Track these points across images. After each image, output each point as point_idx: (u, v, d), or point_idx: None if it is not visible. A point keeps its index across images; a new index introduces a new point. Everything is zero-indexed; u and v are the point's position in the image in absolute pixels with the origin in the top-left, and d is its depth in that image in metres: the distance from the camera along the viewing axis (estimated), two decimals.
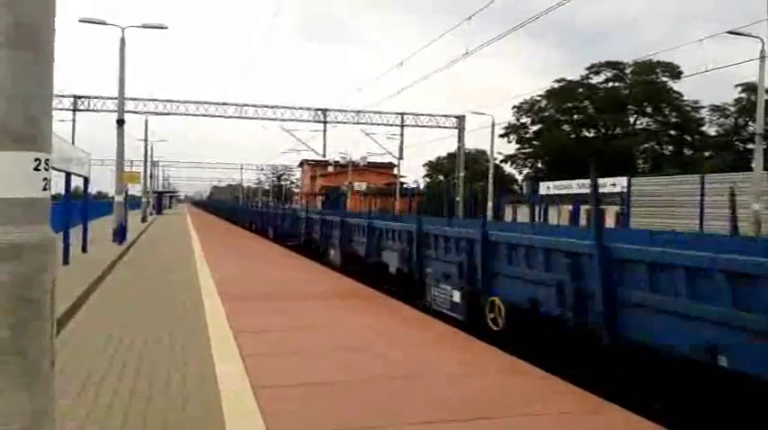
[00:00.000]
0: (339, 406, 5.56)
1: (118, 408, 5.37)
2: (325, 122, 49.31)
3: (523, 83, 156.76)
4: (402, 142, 51.33)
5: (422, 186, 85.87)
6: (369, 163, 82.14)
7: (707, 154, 60.65)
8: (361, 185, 76.75)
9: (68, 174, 16.50)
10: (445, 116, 50.73)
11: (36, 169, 2.92)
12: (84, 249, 18.59)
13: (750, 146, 47.20)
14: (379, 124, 50.57)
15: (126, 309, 10.24)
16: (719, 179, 27.98)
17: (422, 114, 50.37)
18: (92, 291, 11.98)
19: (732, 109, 60.61)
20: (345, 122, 50.04)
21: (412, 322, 9.65)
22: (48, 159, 2.99)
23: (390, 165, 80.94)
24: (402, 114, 49.91)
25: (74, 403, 5.42)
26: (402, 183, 68.01)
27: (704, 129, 64.75)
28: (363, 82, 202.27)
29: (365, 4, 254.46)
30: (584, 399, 5.87)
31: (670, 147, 67.15)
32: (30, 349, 2.86)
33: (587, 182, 40.04)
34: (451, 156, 67.24)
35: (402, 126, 50.37)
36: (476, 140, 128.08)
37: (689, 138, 65.64)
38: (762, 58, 25.61)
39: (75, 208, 21.79)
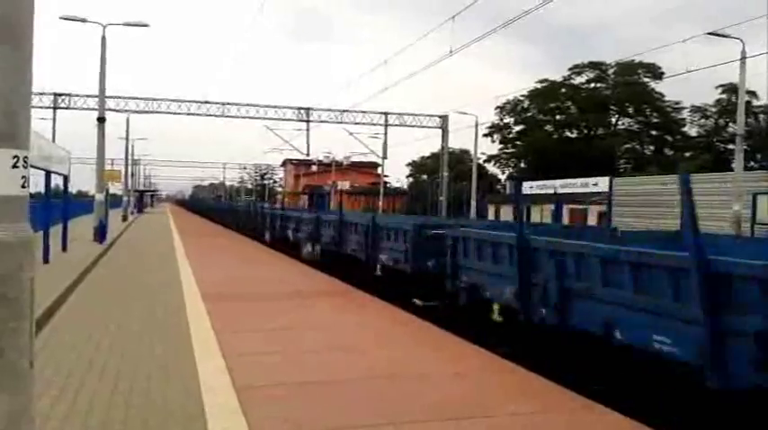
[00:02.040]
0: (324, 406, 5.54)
1: (98, 409, 5.31)
2: (308, 121, 49.24)
3: (507, 82, 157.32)
4: (386, 141, 51.39)
5: (404, 186, 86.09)
6: (352, 162, 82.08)
7: (688, 154, 61.22)
8: (344, 185, 76.70)
9: (48, 173, 16.31)
10: (429, 116, 50.85)
11: (14, 166, 2.88)
12: (64, 248, 18.40)
13: (731, 146, 47.78)
14: (363, 123, 50.58)
15: (106, 309, 10.14)
16: (700, 179, 28.26)
17: (406, 114, 50.46)
18: (71, 290, 11.85)
19: (713, 110, 61.23)
20: (329, 121, 49.99)
21: (386, 317, 9.66)
22: (26, 156, 2.94)
23: (374, 165, 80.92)
24: (386, 114, 49.93)
25: (52, 404, 5.35)
26: (386, 183, 68.02)
27: (685, 129, 65.43)
28: (347, 81, 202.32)
29: (351, 2, 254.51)
30: (566, 398, 5.89)
31: (651, 148, 67.73)
32: (8, 349, 2.81)
33: (570, 181, 40.37)
34: (435, 155, 67.41)
35: (386, 125, 50.40)
36: (459, 140, 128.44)
37: (670, 139, 66.25)
38: (742, 59, 25.86)
39: (55, 206, 21.57)
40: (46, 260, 15.36)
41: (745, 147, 28.79)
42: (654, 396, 6.42)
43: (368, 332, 8.91)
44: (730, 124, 54.77)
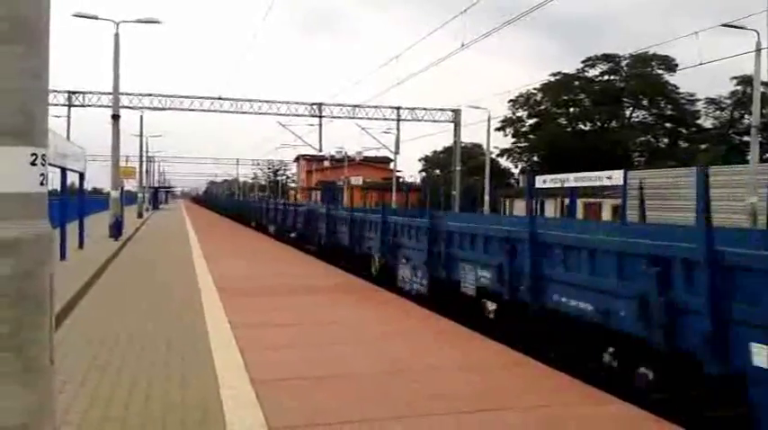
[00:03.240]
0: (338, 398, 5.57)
1: (118, 401, 5.37)
2: (320, 117, 49.23)
3: (520, 76, 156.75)
4: (398, 136, 51.31)
5: (417, 181, 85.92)
6: (365, 157, 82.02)
7: (703, 146, 60.69)
8: (357, 180, 76.66)
9: (64, 170, 16.46)
10: (441, 110, 50.68)
11: (33, 164, 2.91)
12: (80, 245, 18.55)
13: (746, 138, 47.38)
14: (375, 118, 50.49)
15: (123, 306, 10.22)
16: (715, 172, 28.04)
17: (418, 108, 50.29)
18: (89, 286, 11.95)
19: (728, 102, 60.64)
20: (341, 117, 49.96)
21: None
22: (44, 154, 2.97)
23: (386, 160, 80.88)
24: (398, 108, 49.83)
25: (73, 398, 5.42)
26: (398, 178, 67.95)
27: (700, 121, 64.81)
28: (359, 76, 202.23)
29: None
30: (577, 391, 5.89)
31: (666, 140, 67.18)
32: (27, 345, 2.85)
33: (584, 175, 40.14)
34: (448, 150, 67.21)
35: (398, 120, 50.30)
36: (472, 134, 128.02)
37: (684, 131, 65.67)
38: (757, 51, 25.61)
39: (71, 204, 21.75)
40: (63, 257, 15.50)
41: (760, 138, 28.55)
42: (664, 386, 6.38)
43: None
44: (745, 116, 54.21)
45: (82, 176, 20.17)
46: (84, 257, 16.27)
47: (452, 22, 27.56)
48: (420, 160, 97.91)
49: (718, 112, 62.48)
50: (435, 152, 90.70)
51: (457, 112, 50.23)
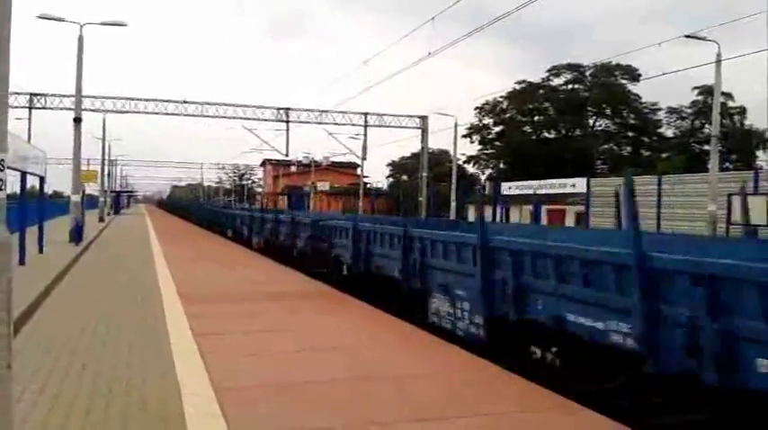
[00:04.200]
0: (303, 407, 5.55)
1: (78, 408, 5.28)
2: (287, 122, 49.09)
3: (487, 83, 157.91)
4: (365, 142, 51.38)
5: (384, 186, 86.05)
6: (332, 163, 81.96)
7: (664, 155, 61.84)
8: (324, 185, 76.55)
9: (24, 174, 16.14)
10: (409, 116, 50.92)
11: None
12: (40, 250, 18.21)
13: (706, 147, 48.40)
14: (342, 124, 50.55)
15: (83, 312, 10.05)
16: (675, 180, 28.64)
17: (385, 114, 50.49)
18: (49, 291, 11.74)
19: (689, 111, 61.93)
20: (309, 122, 49.89)
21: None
22: (2, 159, 2.93)
23: (354, 165, 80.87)
24: (366, 114, 49.94)
25: (32, 405, 5.31)
26: (366, 184, 67.98)
27: (662, 130, 66.08)
28: (327, 82, 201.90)
29: (331, 4, 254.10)
30: (541, 397, 5.95)
31: (628, 149, 68.31)
32: None
33: (548, 182, 40.61)
34: (415, 156, 67.46)
35: (366, 126, 50.40)
36: (440, 141, 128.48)
37: (647, 140, 66.88)
38: (717, 62, 26.20)
39: (31, 207, 21.34)
40: (22, 262, 15.19)
41: (720, 148, 29.20)
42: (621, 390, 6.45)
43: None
44: (706, 125, 55.41)
45: (42, 180, 19.80)
46: (43, 262, 15.98)
47: (422, 29, 27.69)
48: (387, 166, 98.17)
49: (679, 122, 63.82)
50: (403, 158, 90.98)
51: (424, 119, 50.52)
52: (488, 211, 37.54)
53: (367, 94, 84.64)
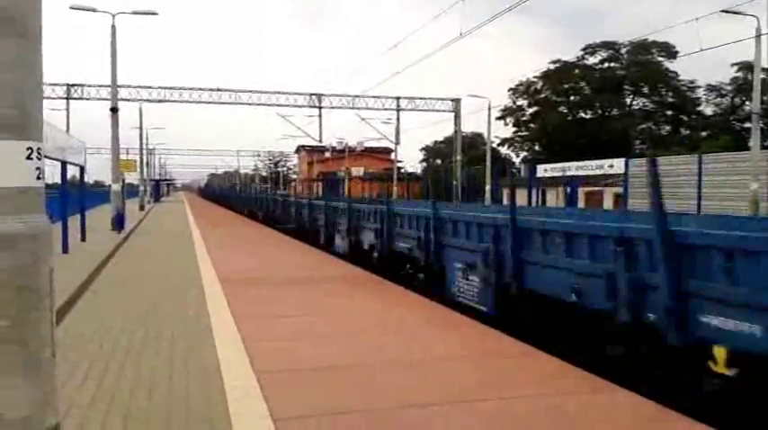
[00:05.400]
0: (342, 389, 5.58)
1: (124, 394, 5.38)
2: (320, 107, 49.19)
3: (521, 63, 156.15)
4: (398, 126, 51.26)
5: (418, 171, 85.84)
6: (365, 148, 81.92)
7: (704, 134, 60.60)
8: (358, 171, 76.62)
9: (64, 164, 16.44)
10: (441, 99, 50.60)
11: (29, 158, 2.90)
12: (83, 238, 18.57)
13: (747, 125, 47.26)
14: (375, 109, 50.46)
15: (127, 298, 10.23)
16: (716, 159, 28.01)
17: (418, 98, 50.23)
18: (92, 279, 11.97)
19: (728, 88, 60.52)
20: (341, 107, 49.92)
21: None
22: (40, 148, 2.96)
23: (387, 150, 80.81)
24: (398, 98, 49.76)
25: (76, 392, 5.43)
26: (399, 168, 67.90)
27: (701, 108, 64.74)
28: (359, 66, 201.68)
29: None
30: (582, 380, 5.89)
31: (667, 128, 67.09)
32: (30, 339, 2.85)
33: (585, 163, 40.06)
34: (448, 140, 67.14)
35: (398, 110, 50.24)
36: (473, 124, 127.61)
37: (685, 119, 65.59)
38: (757, 37, 25.51)
39: (72, 197, 21.76)
40: (65, 250, 15.52)
41: (761, 125, 28.47)
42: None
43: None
44: (746, 103, 54.08)
45: (82, 169, 20.17)
46: (86, 250, 16.29)
47: (453, 10, 27.41)
48: (421, 150, 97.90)
49: (718, 99, 62.41)
50: (436, 142, 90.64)
51: (457, 102, 50.16)
52: (524, 195, 37.11)
53: (399, 78, 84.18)
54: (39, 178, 2.96)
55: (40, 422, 2.88)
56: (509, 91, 69.34)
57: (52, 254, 3.04)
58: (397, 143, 53.33)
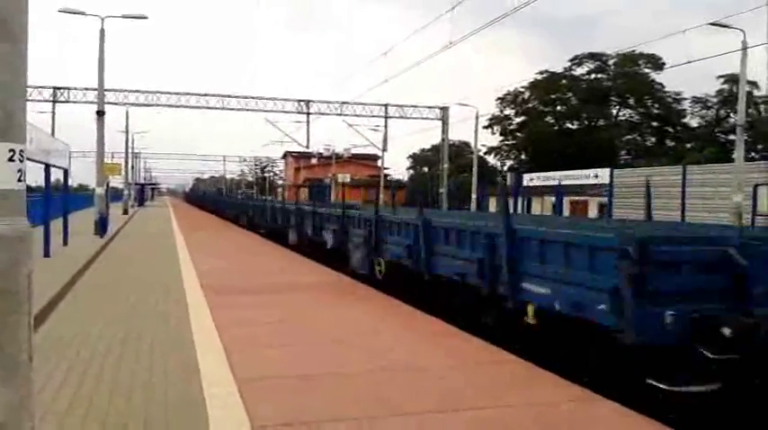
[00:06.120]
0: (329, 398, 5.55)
1: (101, 406, 5.33)
2: (308, 114, 49.14)
3: (509, 73, 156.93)
4: (386, 133, 51.29)
5: (405, 178, 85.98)
6: (353, 155, 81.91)
7: (689, 145, 61.09)
8: (345, 177, 76.57)
9: (48, 166, 16.30)
10: (429, 107, 50.73)
11: (10, 160, 2.88)
12: (65, 242, 18.42)
13: (732, 137, 47.66)
14: (362, 116, 50.47)
15: (106, 304, 10.14)
16: (701, 170, 28.24)
17: (406, 105, 50.33)
18: (72, 283, 11.86)
19: (714, 100, 61.08)
20: (329, 114, 49.91)
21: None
22: (22, 150, 2.94)
23: (374, 157, 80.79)
24: (386, 105, 49.83)
25: (53, 398, 5.37)
26: (386, 175, 67.95)
27: (686, 120, 65.24)
28: (347, 73, 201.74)
29: None
30: (563, 389, 5.90)
31: (652, 139, 67.56)
32: (7, 342, 2.82)
33: (570, 173, 40.28)
34: (436, 148, 67.26)
35: (386, 117, 50.31)
36: (460, 132, 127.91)
37: (671, 130, 66.09)
38: (743, 49, 25.77)
39: (56, 200, 21.58)
40: (47, 254, 15.37)
41: (746, 137, 28.73)
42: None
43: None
44: (731, 115, 54.61)
45: (66, 173, 20.00)
46: (68, 254, 16.15)
47: (442, 19, 27.48)
48: (408, 158, 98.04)
49: (704, 111, 62.95)
50: (423, 150, 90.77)
51: (445, 110, 50.30)
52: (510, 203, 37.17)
53: (387, 86, 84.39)
54: (20, 180, 2.94)
55: (16, 427, 2.85)
56: (497, 100, 69.65)
57: (32, 257, 3.02)
58: (385, 150, 53.35)
